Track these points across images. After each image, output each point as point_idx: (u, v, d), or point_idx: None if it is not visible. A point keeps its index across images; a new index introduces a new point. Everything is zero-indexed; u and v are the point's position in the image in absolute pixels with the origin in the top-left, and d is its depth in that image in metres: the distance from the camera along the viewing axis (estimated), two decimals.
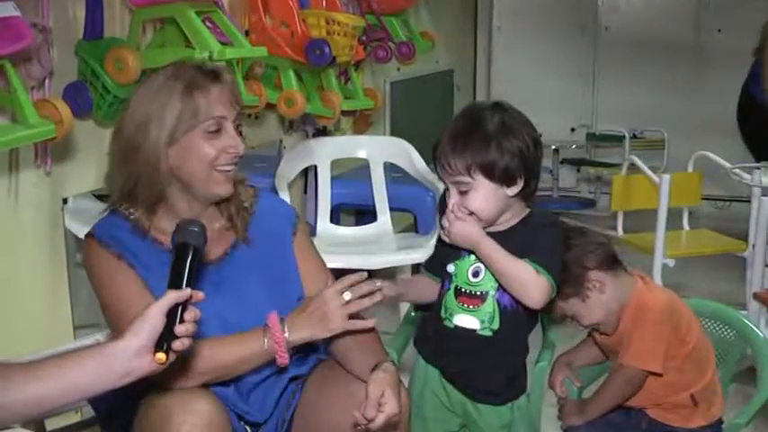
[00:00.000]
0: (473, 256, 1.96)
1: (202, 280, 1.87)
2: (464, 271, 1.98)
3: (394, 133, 4.89)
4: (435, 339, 2.06)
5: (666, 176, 3.91)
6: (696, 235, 4.50)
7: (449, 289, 2.00)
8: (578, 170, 6.79)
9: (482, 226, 1.93)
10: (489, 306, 1.95)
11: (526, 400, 2.08)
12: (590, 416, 2.16)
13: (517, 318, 1.96)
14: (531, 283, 1.88)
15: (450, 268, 2.00)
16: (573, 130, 6.81)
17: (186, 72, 1.85)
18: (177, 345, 1.54)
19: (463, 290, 1.98)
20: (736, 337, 2.27)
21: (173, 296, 1.55)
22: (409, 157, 3.83)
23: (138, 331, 1.51)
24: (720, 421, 2.20)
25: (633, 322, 2.10)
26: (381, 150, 3.94)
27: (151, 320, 1.52)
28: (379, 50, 4.40)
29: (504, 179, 1.89)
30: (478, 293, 1.96)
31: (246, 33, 3.23)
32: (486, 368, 1.99)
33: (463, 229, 1.92)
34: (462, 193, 1.91)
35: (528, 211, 1.97)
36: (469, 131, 1.89)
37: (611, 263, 2.12)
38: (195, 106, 1.82)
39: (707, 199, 6.02)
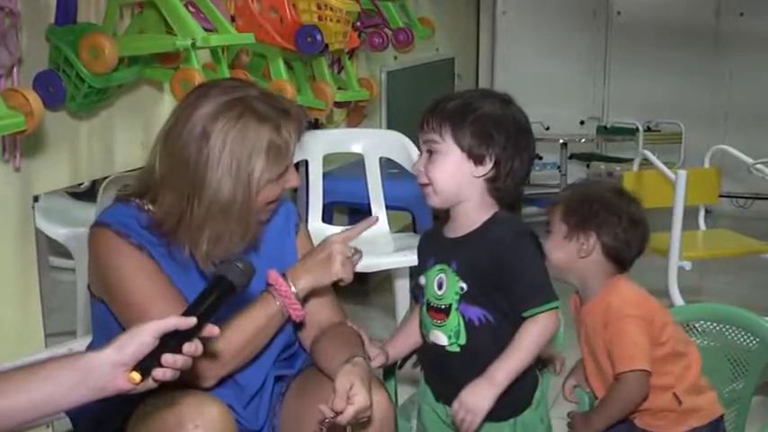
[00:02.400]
0: (437, 266, 1.97)
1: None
2: (431, 282, 1.99)
3: (390, 126, 4.87)
4: (422, 354, 2.09)
5: (683, 172, 3.90)
6: (714, 235, 4.50)
7: (423, 303, 2.02)
8: (588, 166, 6.78)
9: (436, 201, 1.95)
10: (454, 320, 1.94)
11: (534, 416, 2.03)
12: (597, 427, 2.14)
13: (490, 332, 1.92)
14: (551, 330, 1.91)
15: (422, 280, 2.01)
16: (582, 122, 6.80)
17: (266, 110, 1.88)
18: (157, 373, 1.50)
19: (431, 303, 1.99)
20: (759, 345, 2.26)
21: (173, 321, 1.51)
22: (407, 152, 3.81)
23: (123, 346, 1.48)
24: (720, 419, 2.18)
25: (605, 325, 2.11)
26: (377, 145, 3.93)
27: (140, 339, 1.49)
28: (375, 37, 4.39)
29: (472, 153, 1.90)
30: (443, 307, 1.96)
31: (232, 19, 3.22)
32: (467, 385, 1.93)
33: (473, 405, 1.88)
34: (430, 155, 1.93)
35: (493, 213, 1.95)
36: (459, 97, 1.94)
37: (617, 259, 2.15)
38: (279, 155, 1.88)
39: (726, 197, 6.02)
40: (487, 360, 1.92)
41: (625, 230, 2.14)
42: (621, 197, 2.20)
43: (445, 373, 2.00)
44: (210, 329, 1.57)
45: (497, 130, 1.89)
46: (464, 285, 1.92)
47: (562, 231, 2.16)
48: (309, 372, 2.03)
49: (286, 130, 1.89)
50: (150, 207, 1.92)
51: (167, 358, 1.49)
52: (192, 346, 1.53)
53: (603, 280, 2.16)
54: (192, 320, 1.53)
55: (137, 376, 1.47)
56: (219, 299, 1.62)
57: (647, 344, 2.08)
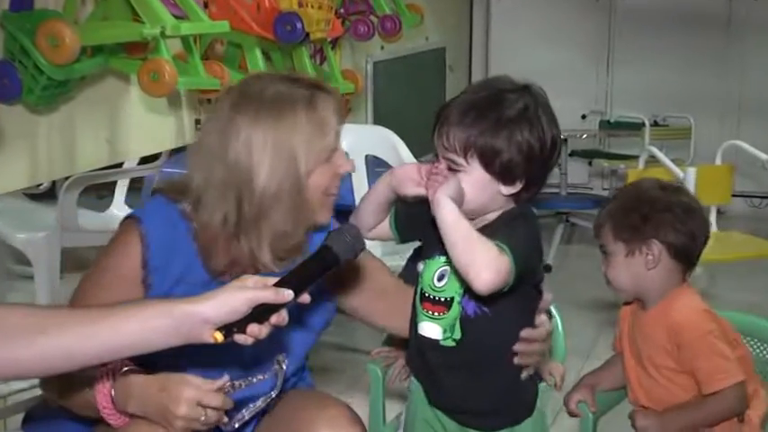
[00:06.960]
0: (443, 258, 1.93)
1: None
2: (430, 273, 1.97)
3: (377, 121, 4.88)
4: (413, 350, 2.06)
5: (692, 170, 3.92)
6: (727, 237, 4.51)
7: (416, 292, 2.01)
8: (590, 163, 6.81)
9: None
10: (454, 313, 1.94)
11: (534, 429, 2.02)
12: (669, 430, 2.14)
13: (487, 326, 1.92)
14: (488, 262, 1.79)
15: (420, 266, 2.00)
16: (584, 116, 6.82)
17: (296, 91, 1.91)
18: (239, 338, 1.66)
19: (427, 294, 1.97)
20: None
21: (271, 296, 1.66)
22: (394, 149, 3.82)
23: (218, 306, 1.64)
24: None
25: (679, 345, 2.10)
26: (363, 141, 3.94)
27: (234, 305, 1.64)
28: (360, 25, 4.38)
29: (503, 175, 1.87)
30: (443, 300, 1.95)
31: (205, 5, 3.20)
32: (464, 385, 1.96)
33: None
34: (452, 172, 1.89)
35: (511, 206, 1.95)
36: (484, 106, 1.88)
37: (684, 257, 2.13)
38: (321, 130, 1.91)
39: (739, 196, 6.04)
40: (487, 354, 1.94)
41: (684, 222, 2.11)
42: (665, 190, 2.18)
43: (440, 371, 1.98)
44: (303, 298, 1.71)
45: (528, 143, 1.87)
46: None
47: (621, 251, 2.13)
48: (290, 397, 2.04)
49: (323, 105, 1.92)
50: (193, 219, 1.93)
51: (253, 329, 1.66)
52: (279, 318, 1.68)
53: (672, 285, 2.15)
54: (287, 297, 1.67)
55: (220, 336, 1.64)
56: (320, 270, 1.74)
57: (730, 352, 2.09)
